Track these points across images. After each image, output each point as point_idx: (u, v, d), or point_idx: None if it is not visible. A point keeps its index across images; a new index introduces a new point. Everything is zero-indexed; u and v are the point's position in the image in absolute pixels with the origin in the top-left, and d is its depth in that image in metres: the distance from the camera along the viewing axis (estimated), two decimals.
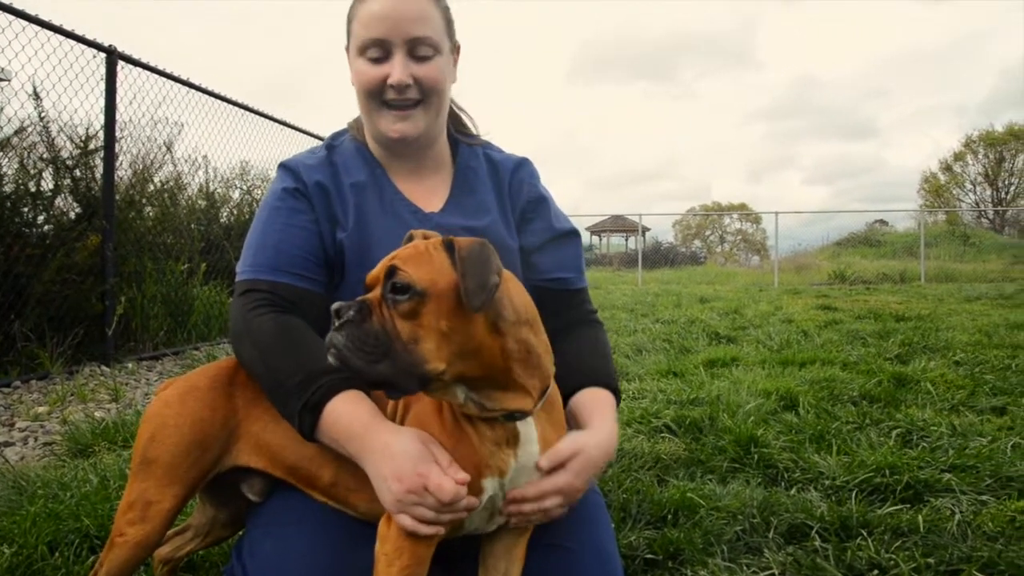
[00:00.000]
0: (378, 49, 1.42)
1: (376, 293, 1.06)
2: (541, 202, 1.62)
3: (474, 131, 1.70)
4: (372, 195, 1.51)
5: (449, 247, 1.06)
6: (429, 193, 1.56)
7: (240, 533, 1.52)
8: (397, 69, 1.41)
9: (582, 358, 1.46)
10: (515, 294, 1.13)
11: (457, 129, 1.67)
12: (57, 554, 1.82)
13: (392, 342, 1.01)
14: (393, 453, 1.13)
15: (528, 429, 1.16)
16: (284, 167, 1.52)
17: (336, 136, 1.62)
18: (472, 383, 1.09)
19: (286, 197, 1.46)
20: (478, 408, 1.11)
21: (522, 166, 1.64)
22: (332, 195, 1.49)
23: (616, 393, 1.45)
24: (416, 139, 1.48)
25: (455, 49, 1.56)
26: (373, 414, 1.20)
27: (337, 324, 1.03)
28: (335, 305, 1.04)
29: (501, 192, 1.60)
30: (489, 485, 1.15)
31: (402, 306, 1.02)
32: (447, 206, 1.55)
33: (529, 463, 1.17)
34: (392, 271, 1.04)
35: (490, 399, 1.11)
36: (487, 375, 1.08)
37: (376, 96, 1.45)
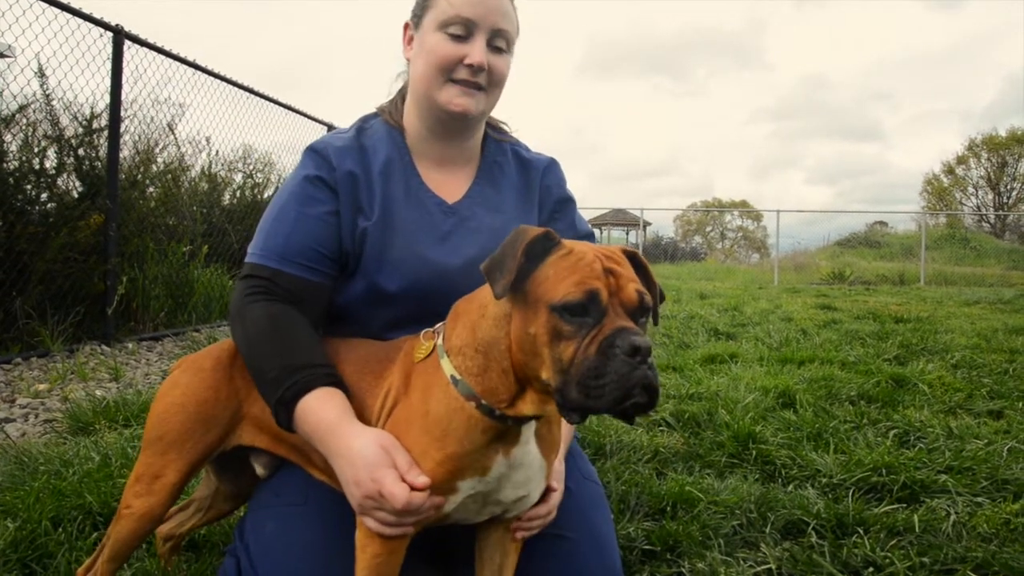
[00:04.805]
0: (462, 28, 1.43)
1: (621, 319, 1.01)
2: (567, 203, 1.68)
3: (509, 131, 1.72)
4: (397, 183, 1.51)
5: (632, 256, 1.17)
6: (452, 184, 1.57)
7: (242, 513, 1.54)
8: (478, 51, 1.43)
9: None
10: None
11: (488, 124, 1.69)
12: (60, 530, 1.83)
13: None
14: (352, 458, 1.14)
15: (528, 430, 1.16)
16: (312, 151, 1.49)
17: (367, 119, 1.61)
18: None
19: (306, 185, 1.45)
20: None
21: (552, 168, 1.68)
22: (361, 183, 1.47)
23: None
24: (473, 119, 1.50)
25: None
26: (340, 414, 1.20)
27: (641, 360, 0.97)
28: (639, 343, 0.97)
29: (531, 190, 1.62)
30: (465, 486, 1.14)
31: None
32: (469, 194, 1.56)
33: (523, 460, 1.17)
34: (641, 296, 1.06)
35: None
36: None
37: (446, 72, 1.45)
